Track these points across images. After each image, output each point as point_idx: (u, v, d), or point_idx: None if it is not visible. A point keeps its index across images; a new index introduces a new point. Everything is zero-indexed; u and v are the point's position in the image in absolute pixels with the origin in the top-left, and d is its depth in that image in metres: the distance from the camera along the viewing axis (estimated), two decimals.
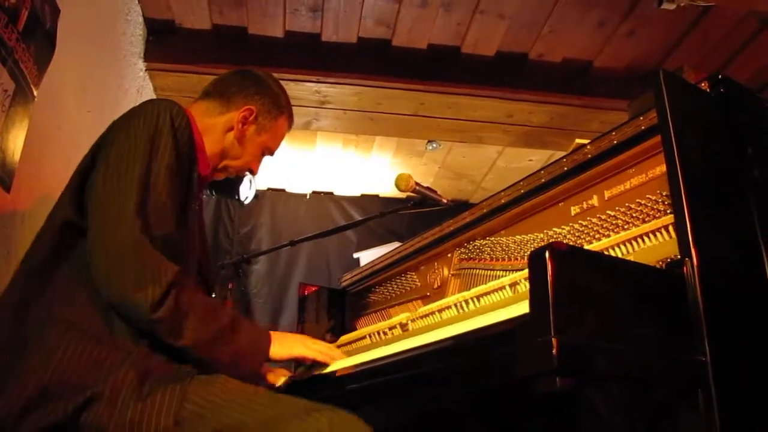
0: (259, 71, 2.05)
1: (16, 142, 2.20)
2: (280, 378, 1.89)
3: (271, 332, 1.76)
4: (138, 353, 1.44)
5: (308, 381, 1.79)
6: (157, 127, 1.59)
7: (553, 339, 0.97)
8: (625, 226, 1.60)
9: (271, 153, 2.05)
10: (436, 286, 2.31)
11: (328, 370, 1.77)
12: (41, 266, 1.54)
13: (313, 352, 1.77)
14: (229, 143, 1.91)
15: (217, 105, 1.92)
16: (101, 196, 1.52)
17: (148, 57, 3.76)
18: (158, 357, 1.47)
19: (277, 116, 1.99)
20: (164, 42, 3.80)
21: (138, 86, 3.68)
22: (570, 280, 1.04)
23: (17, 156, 2.21)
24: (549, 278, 1.01)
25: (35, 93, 2.29)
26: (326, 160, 5.21)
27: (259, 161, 2.03)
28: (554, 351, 0.96)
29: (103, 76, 3.18)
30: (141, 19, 3.66)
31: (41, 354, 1.40)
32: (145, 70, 3.78)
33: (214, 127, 1.88)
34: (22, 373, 1.38)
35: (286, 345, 1.75)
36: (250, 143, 1.95)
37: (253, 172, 2.05)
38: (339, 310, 2.85)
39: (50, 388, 1.35)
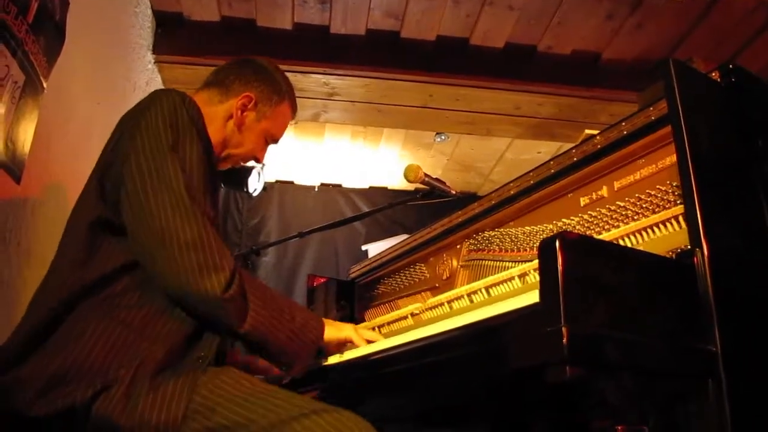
0: (261, 59, 2.04)
1: (26, 133, 2.21)
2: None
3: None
4: (162, 343, 1.46)
5: (316, 372, 1.79)
6: (177, 117, 1.59)
7: (563, 328, 0.97)
8: (635, 217, 1.60)
9: (275, 140, 2.04)
10: (445, 277, 2.31)
11: (336, 360, 1.77)
12: (76, 259, 1.53)
13: (359, 338, 1.81)
14: (230, 131, 1.91)
15: (217, 93, 1.92)
16: (143, 190, 1.51)
17: (156, 49, 3.77)
18: (180, 344, 1.48)
19: (277, 103, 1.98)
20: (173, 34, 3.81)
21: (147, 78, 3.69)
22: (580, 269, 1.04)
23: (27, 147, 2.22)
24: (559, 267, 1.01)
25: (45, 85, 2.30)
26: (334, 152, 5.21)
27: (264, 149, 2.03)
28: (564, 340, 0.96)
29: (112, 68, 3.19)
30: (150, 11, 3.67)
31: (69, 336, 1.42)
32: (154, 62, 3.78)
33: (215, 115, 1.88)
34: (47, 354, 1.40)
35: (338, 328, 1.80)
36: (250, 130, 1.94)
37: (258, 160, 2.05)
38: (348, 301, 2.85)
39: (70, 372, 1.37)
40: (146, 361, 1.40)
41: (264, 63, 2.02)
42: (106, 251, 1.54)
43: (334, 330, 1.78)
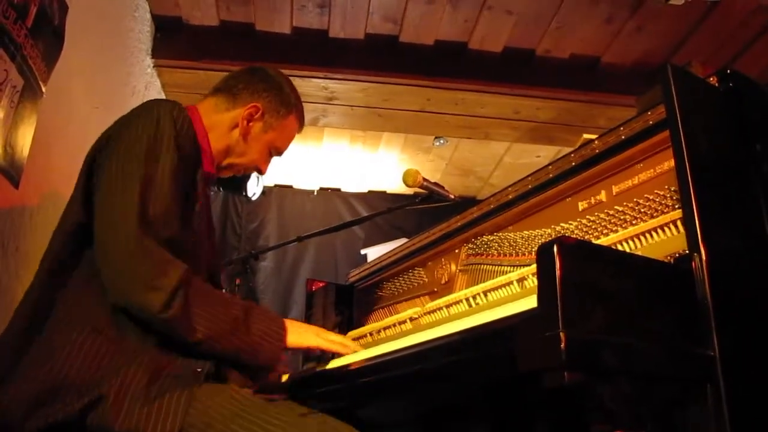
0: (271, 69, 2.03)
1: (25, 138, 2.21)
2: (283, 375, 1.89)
3: (286, 320, 1.75)
4: (147, 353, 1.45)
5: (312, 377, 1.79)
6: (159, 129, 1.58)
7: (561, 333, 0.96)
8: (633, 222, 1.60)
9: (279, 153, 2.03)
10: (443, 281, 2.30)
11: (336, 364, 1.77)
12: (55, 268, 1.54)
13: (327, 343, 1.77)
14: (234, 140, 1.89)
15: (224, 101, 1.91)
16: (104, 198, 1.52)
17: (155, 53, 3.77)
18: (168, 355, 1.47)
19: (285, 115, 1.97)
20: (172, 38, 3.81)
21: (146, 83, 3.69)
22: (578, 274, 1.03)
23: (26, 152, 2.22)
24: (557, 272, 1.01)
25: (43, 89, 2.30)
26: (333, 156, 5.21)
27: (267, 161, 2.01)
28: (562, 345, 0.96)
29: (111, 73, 3.19)
30: (149, 15, 3.67)
31: (52, 351, 1.41)
32: (153, 66, 3.79)
33: (220, 123, 1.88)
34: (32, 368, 1.39)
35: (300, 334, 1.74)
36: (256, 141, 1.93)
37: (260, 172, 2.03)
38: (346, 306, 2.84)
39: (59, 385, 1.36)
40: (136, 373, 1.39)
41: (274, 73, 2.01)
42: (86, 259, 1.54)
43: (296, 337, 1.72)
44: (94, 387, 1.36)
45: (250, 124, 1.91)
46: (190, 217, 1.65)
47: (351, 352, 1.76)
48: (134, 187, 1.50)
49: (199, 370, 1.48)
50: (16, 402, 1.35)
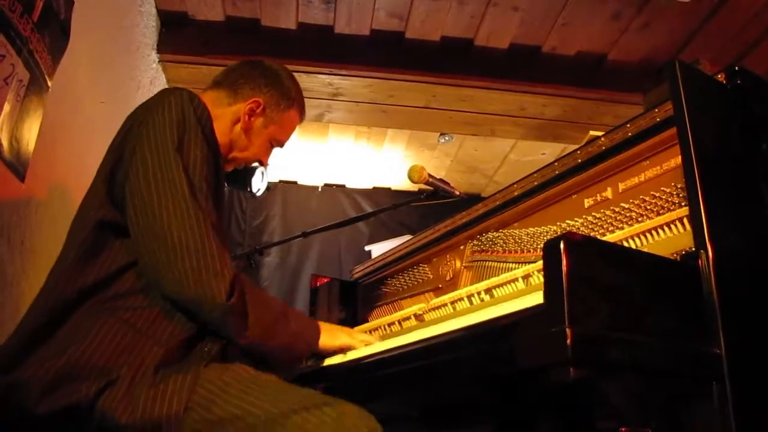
0: (271, 62, 2.03)
1: (31, 131, 2.21)
2: None
3: (319, 322, 1.81)
4: (163, 338, 1.45)
5: (318, 371, 1.79)
6: (184, 117, 1.58)
7: (567, 329, 0.96)
8: (639, 219, 1.60)
9: (281, 145, 2.03)
10: (448, 278, 2.30)
11: (339, 359, 1.77)
12: (79, 259, 1.52)
13: (356, 341, 1.80)
14: (236, 135, 1.90)
15: (226, 96, 1.91)
16: (146, 191, 1.50)
17: (161, 48, 3.77)
18: (179, 339, 1.47)
19: (286, 108, 1.97)
20: (177, 34, 3.81)
21: (151, 77, 3.69)
22: (584, 270, 1.03)
23: (32, 146, 2.22)
24: (564, 268, 1.01)
25: (49, 83, 2.30)
26: (338, 152, 5.21)
27: (269, 153, 2.02)
28: (568, 341, 0.96)
29: (117, 67, 3.19)
30: (154, 10, 3.67)
31: (73, 338, 1.41)
32: (158, 61, 3.79)
33: (223, 117, 1.87)
34: (52, 353, 1.39)
35: (333, 335, 1.79)
36: (257, 135, 1.94)
37: (262, 164, 2.04)
38: (351, 301, 2.85)
39: (77, 370, 1.36)
40: (148, 359, 1.40)
41: (275, 67, 2.00)
42: (110, 252, 1.53)
43: (329, 337, 1.78)
44: (110, 371, 1.37)
45: (252, 119, 1.91)
46: (221, 202, 1.66)
47: None
48: (179, 177, 1.50)
49: (206, 349, 1.49)
50: (33, 383, 1.35)
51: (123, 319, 1.46)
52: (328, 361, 1.81)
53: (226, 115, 1.88)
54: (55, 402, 1.34)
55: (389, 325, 2.17)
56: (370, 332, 2.23)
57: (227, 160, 1.94)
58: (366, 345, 1.80)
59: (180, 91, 1.65)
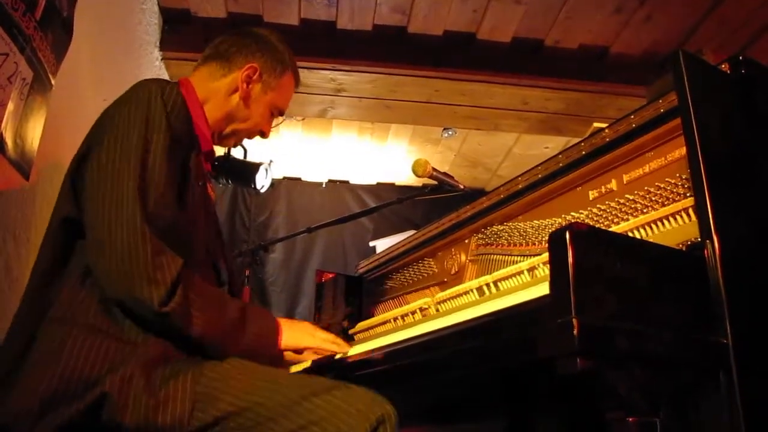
0: (262, 29, 2.01)
1: (35, 130, 2.22)
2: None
3: (280, 320, 1.75)
4: (145, 344, 1.41)
5: (326, 366, 1.79)
6: (149, 110, 1.54)
7: (573, 319, 0.96)
8: (644, 210, 1.59)
9: (281, 112, 2.00)
10: (453, 272, 2.30)
11: (341, 355, 1.77)
12: (47, 267, 1.51)
13: (318, 341, 1.78)
14: (234, 105, 1.87)
15: (218, 67, 1.88)
16: (97, 189, 1.47)
17: (163, 46, 3.78)
18: (166, 345, 1.44)
19: (281, 73, 1.94)
20: (180, 31, 3.81)
21: (154, 75, 3.69)
22: (590, 260, 1.03)
23: (36, 144, 2.23)
24: (570, 259, 1.01)
25: (53, 81, 2.30)
26: (342, 148, 5.21)
27: (270, 122, 1.99)
28: (575, 331, 0.95)
29: (120, 65, 3.19)
30: (157, 8, 3.67)
31: (50, 354, 1.37)
32: (161, 59, 3.79)
33: (217, 91, 1.85)
34: (33, 374, 1.36)
35: (294, 335, 1.75)
36: (257, 103, 1.90)
37: (264, 135, 2.00)
38: (356, 296, 2.85)
39: (61, 389, 1.33)
40: (135, 366, 1.35)
41: (265, 33, 1.98)
42: (77, 254, 1.51)
43: (291, 338, 1.73)
44: (96, 385, 1.33)
45: (250, 86, 1.88)
46: (185, 198, 1.59)
47: (344, 350, 1.78)
48: (130, 176, 1.45)
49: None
50: (23, 413, 1.31)
51: (93, 326, 1.41)
52: (339, 356, 1.81)
53: (221, 88, 1.86)
54: (49, 425, 1.30)
55: (395, 319, 2.17)
56: (374, 327, 2.24)
57: (227, 135, 1.91)
58: (331, 344, 1.78)
59: (151, 83, 1.61)
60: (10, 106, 2.02)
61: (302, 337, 1.76)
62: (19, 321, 1.49)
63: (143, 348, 1.40)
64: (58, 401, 1.32)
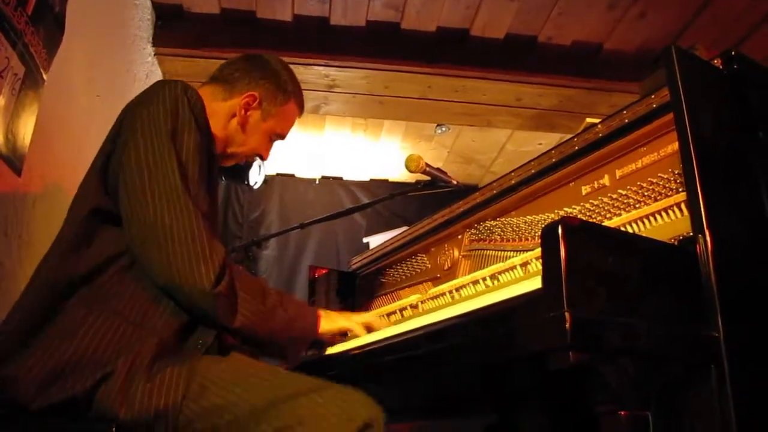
0: (268, 55, 2.02)
1: (27, 125, 2.21)
2: None
3: (318, 309, 1.83)
4: (159, 331, 1.46)
5: (319, 361, 1.79)
6: (178, 107, 1.59)
7: (566, 313, 0.96)
8: (637, 205, 1.60)
9: (282, 138, 2.03)
10: (446, 267, 2.31)
11: (338, 349, 1.78)
12: (70, 251, 1.53)
13: (356, 325, 1.84)
14: (233, 130, 1.89)
15: (221, 90, 1.90)
16: (138, 179, 1.51)
17: (156, 42, 3.76)
18: (176, 332, 1.48)
19: (283, 102, 1.96)
20: (172, 27, 3.79)
21: (147, 71, 3.68)
22: (583, 254, 1.03)
23: (27, 140, 2.22)
24: (562, 253, 1.01)
25: (45, 77, 2.29)
26: (335, 144, 5.20)
27: (269, 147, 2.01)
28: (567, 325, 0.96)
29: (112, 61, 3.18)
30: (149, 3, 3.66)
31: (68, 332, 1.41)
32: (154, 54, 3.77)
33: (219, 112, 1.87)
34: (47, 347, 1.39)
35: (331, 319, 1.82)
36: (254, 129, 1.92)
37: (262, 158, 2.02)
38: (349, 292, 2.85)
39: (73, 364, 1.37)
40: (142, 351, 1.40)
41: (271, 60, 2.00)
42: (102, 240, 1.54)
43: (328, 322, 1.80)
44: (105, 364, 1.37)
45: (248, 113, 1.90)
46: (213, 194, 1.67)
47: (380, 328, 1.82)
48: (171, 166, 1.51)
49: (200, 342, 1.51)
50: (27, 381, 1.35)
51: (116, 310, 1.46)
52: (331, 350, 1.81)
53: (222, 111, 1.88)
54: (50, 398, 1.34)
55: (388, 315, 2.18)
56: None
57: (226, 156, 1.93)
58: (364, 325, 1.83)
59: (174, 83, 1.65)
60: (2, 102, 2.02)
61: (337, 320, 1.84)
62: (35, 297, 1.50)
63: (156, 335, 1.45)
64: (66, 376, 1.36)
